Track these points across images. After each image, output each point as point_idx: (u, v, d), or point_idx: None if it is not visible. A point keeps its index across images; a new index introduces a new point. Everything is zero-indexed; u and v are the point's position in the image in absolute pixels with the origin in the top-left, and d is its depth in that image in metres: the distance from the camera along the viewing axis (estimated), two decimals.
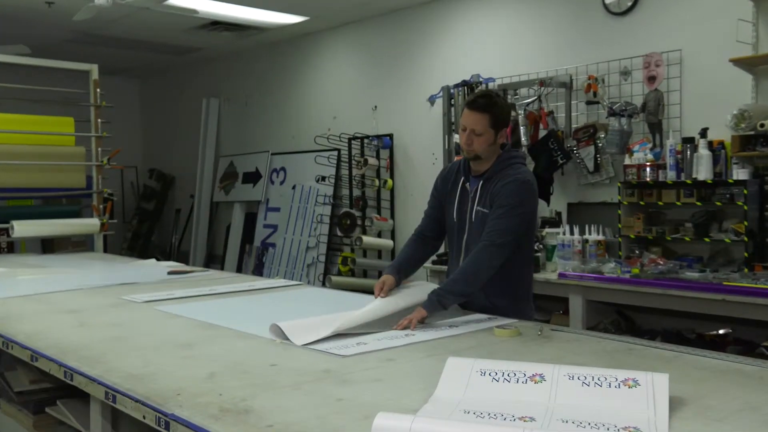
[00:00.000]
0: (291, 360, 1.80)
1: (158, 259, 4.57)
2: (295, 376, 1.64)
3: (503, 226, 2.41)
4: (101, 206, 5.39)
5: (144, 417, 1.44)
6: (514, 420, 1.27)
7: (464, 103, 2.57)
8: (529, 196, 2.49)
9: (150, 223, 9.10)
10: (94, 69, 5.42)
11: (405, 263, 2.70)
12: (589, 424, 1.25)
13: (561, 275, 4.00)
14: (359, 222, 6.13)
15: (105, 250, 5.37)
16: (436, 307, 2.30)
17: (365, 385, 1.56)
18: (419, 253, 2.74)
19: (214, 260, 8.14)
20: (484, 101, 2.51)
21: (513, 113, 4.93)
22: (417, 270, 2.86)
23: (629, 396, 1.33)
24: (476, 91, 4.67)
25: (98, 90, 5.38)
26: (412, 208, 6.08)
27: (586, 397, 1.35)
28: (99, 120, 5.36)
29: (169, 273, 3.68)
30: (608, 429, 1.22)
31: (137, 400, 1.48)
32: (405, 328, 2.19)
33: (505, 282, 2.49)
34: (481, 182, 2.55)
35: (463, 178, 2.62)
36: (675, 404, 1.36)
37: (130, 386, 1.56)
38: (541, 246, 4.28)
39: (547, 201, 4.83)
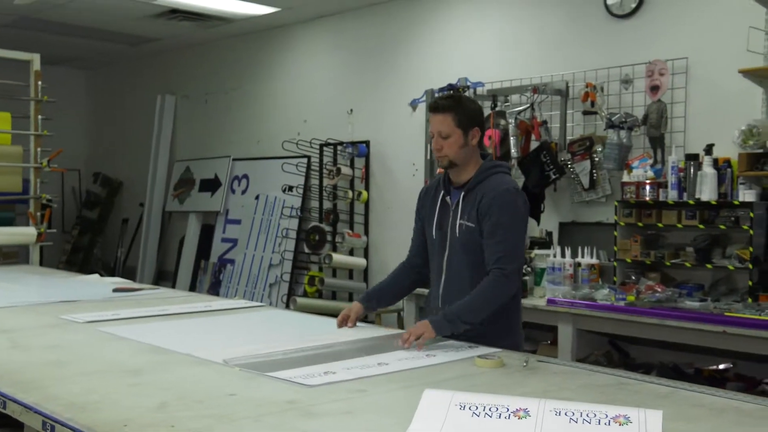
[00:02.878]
0: (251, 389, 1.82)
1: (101, 275, 4.55)
2: (255, 407, 1.66)
3: (509, 249, 2.49)
4: (39, 214, 5.35)
5: None
6: None
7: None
8: (524, 208, 2.59)
9: (93, 234, 9.03)
10: (35, 58, 5.39)
11: (380, 291, 2.80)
12: None
13: (550, 301, 4.06)
14: (329, 238, 6.16)
15: (41, 264, 5.33)
16: (444, 331, 2.40)
17: (333, 418, 1.59)
18: (402, 281, 2.83)
19: (164, 277, 8.09)
20: (446, 101, 2.62)
21: (503, 122, 4.99)
22: (397, 300, 2.93)
23: None
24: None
25: (39, 83, 5.34)
26: (389, 224, 6.13)
27: None
28: (39, 116, 5.33)
29: (115, 290, 3.67)
30: None
31: None
32: (406, 341, 2.32)
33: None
34: (462, 194, 2.62)
35: (443, 192, 2.69)
36: None
37: (70, 416, 1.57)
38: (529, 269, 4.34)
39: (537, 219, 4.89)
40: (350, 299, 6.26)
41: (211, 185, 7.59)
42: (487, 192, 2.56)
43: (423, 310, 3.05)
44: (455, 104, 2.60)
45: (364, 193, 6.22)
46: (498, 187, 2.56)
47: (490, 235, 2.52)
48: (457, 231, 2.60)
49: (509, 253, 2.49)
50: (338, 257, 5.90)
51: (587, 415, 1.42)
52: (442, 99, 2.64)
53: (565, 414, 1.43)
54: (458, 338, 2.48)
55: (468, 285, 2.55)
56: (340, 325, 2.68)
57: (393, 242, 6.18)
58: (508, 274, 2.47)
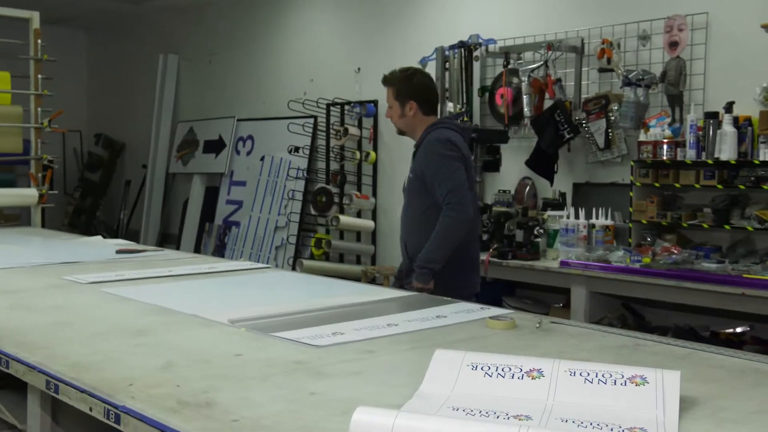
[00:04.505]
0: (258, 350, 1.82)
1: (104, 237, 4.55)
2: (262, 367, 1.66)
3: (447, 188, 3.02)
4: (40, 175, 5.34)
5: (91, 409, 1.45)
6: (509, 418, 1.29)
7: None
8: (448, 150, 3.05)
9: (95, 197, 9.05)
10: (34, 16, 5.34)
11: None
12: (591, 423, 1.28)
13: (563, 263, 4.05)
14: (336, 200, 6.15)
15: (43, 226, 5.33)
16: (427, 278, 2.95)
17: (342, 378, 1.58)
18: None
19: (168, 240, 8.13)
20: (389, 75, 3.23)
21: (516, 80, 4.95)
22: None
23: (636, 394, 1.36)
24: None
25: (39, 41, 5.30)
26: (398, 185, 6.08)
27: (589, 395, 1.37)
28: (39, 76, 5.29)
29: (118, 252, 3.67)
30: (612, 429, 1.25)
31: (83, 391, 1.49)
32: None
33: (424, 242, 3.05)
34: (414, 150, 3.21)
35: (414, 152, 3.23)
36: (686, 404, 1.40)
37: (75, 375, 1.57)
38: (541, 230, 4.33)
39: (551, 180, 4.88)
40: (358, 262, 6.27)
41: (215, 146, 7.57)
42: (423, 146, 3.12)
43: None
44: (394, 79, 3.21)
45: (372, 154, 6.19)
46: (429, 141, 3.09)
47: (431, 184, 3.07)
48: (406, 182, 3.22)
49: (448, 191, 3.01)
50: (345, 219, 5.90)
51: (602, 376, 1.41)
52: (388, 74, 3.24)
53: (580, 374, 1.42)
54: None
55: (413, 228, 3.16)
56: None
57: (400, 201, 6.15)
58: (453, 206, 3.01)
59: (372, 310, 2.34)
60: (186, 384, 1.51)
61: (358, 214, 6.24)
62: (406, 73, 3.22)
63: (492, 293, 4.76)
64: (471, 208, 3.07)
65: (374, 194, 6.27)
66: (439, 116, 3.25)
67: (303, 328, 2.02)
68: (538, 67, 4.82)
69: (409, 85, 3.18)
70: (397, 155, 6.11)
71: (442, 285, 3.04)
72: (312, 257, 6.22)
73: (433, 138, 3.11)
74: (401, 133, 3.28)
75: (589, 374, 1.42)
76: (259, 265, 3.42)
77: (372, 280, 5.43)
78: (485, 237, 4.73)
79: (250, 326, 2.05)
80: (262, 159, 7.04)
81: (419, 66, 5.74)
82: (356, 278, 5.29)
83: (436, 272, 3.04)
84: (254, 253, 6.81)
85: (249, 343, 1.89)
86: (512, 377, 1.44)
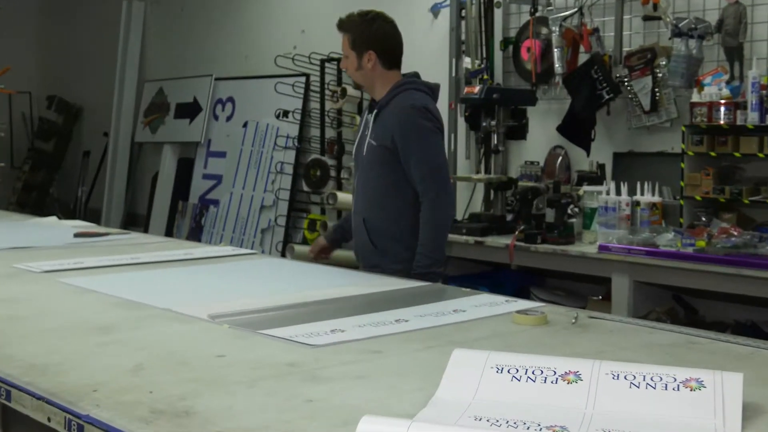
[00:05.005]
0: (244, 350, 1.83)
1: (60, 218, 4.57)
2: (249, 370, 1.66)
3: (428, 170, 3.08)
4: None
5: (49, 420, 1.46)
6: (541, 430, 1.30)
7: None
8: (429, 122, 3.11)
9: (48, 170, 9.06)
10: None
11: (346, 223, 3.45)
12: None
13: (602, 248, 4.06)
14: (333, 174, 6.14)
15: None
16: (436, 272, 3.00)
17: (343, 383, 1.59)
18: None
19: (134, 221, 8.14)
20: (346, 19, 3.21)
21: (545, 31, 4.93)
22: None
23: (691, 401, 1.36)
24: None
25: None
26: None
27: (635, 402, 1.38)
28: None
29: (76, 235, 3.68)
30: None
31: (40, 398, 1.49)
32: None
33: (393, 225, 3.16)
34: (375, 112, 3.18)
35: (366, 112, 3.27)
36: (750, 412, 1.40)
37: (30, 380, 1.58)
38: (576, 209, 4.33)
39: (587, 149, 4.87)
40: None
41: (189, 110, 7.56)
42: (392, 111, 3.12)
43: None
44: (351, 24, 3.19)
45: None
46: (400, 106, 3.10)
47: (405, 161, 3.10)
48: (365, 150, 3.19)
49: (432, 175, 3.08)
50: (344, 197, 5.88)
51: (651, 379, 1.41)
52: (344, 17, 3.22)
53: (625, 377, 1.43)
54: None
55: (374, 204, 3.18)
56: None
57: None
58: (438, 193, 3.09)
59: (377, 304, 2.35)
60: (160, 390, 1.52)
61: None
62: (365, 18, 3.22)
63: (518, 283, 4.77)
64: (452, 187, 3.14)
65: None
66: (401, 71, 3.26)
67: (296, 324, 2.03)
68: (572, 15, 4.80)
69: (368, 33, 3.19)
70: None
71: (405, 268, 3.09)
72: (305, 242, 6.22)
73: (407, 105, 3.12)
74: (358, 87, 3.35)
75: (635, 377, 1.42)
76: (243, 250, 3.42)
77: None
78: (509, 217, 4.73)
79: (233, 322, 2.06)
80: (245, 125, 7.03)
81: (432, 13, 5.75)
82: (357, 266, 5.28)
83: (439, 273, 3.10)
84: (236, 237, 6.83)
85: (233, 342, 1.89)
86: (544, 381, 1.45)
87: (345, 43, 3.22)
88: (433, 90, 3.29)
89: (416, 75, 3.24)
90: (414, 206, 3.15)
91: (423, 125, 3.11)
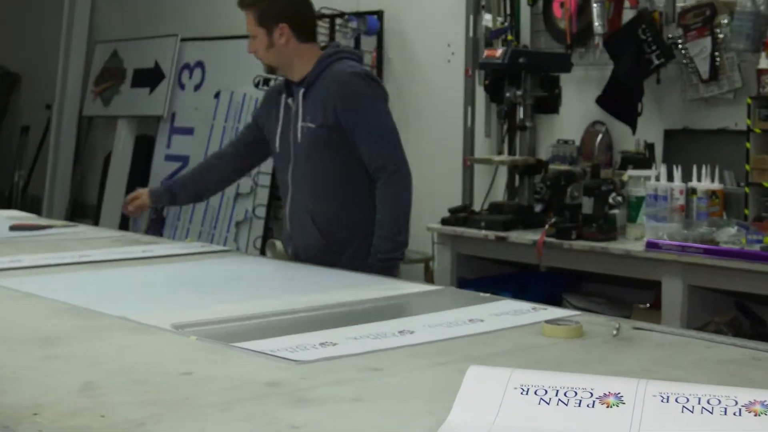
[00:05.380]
0: (215, 366, 1.83)
1: None
2: (222, 390, 1.66)
3: (382, 145, 3.22)
4: None
5: None
6: None
7: None
8: (376, 91, 3.28)
9: None
10: None
11: (179, 184, 3.69)
12: None
13: (650, 245, 4.05)
14: None
15: None
16: (390, 272, 3.09)
17: (335, 406, 1.59)
18: (208, 175, 3.62)
19: (83, 212, 8.14)
20: None
21: None
22: (199, 200, 4.08)
23: (756, 428, 1.37)
24: None
25: None
26: (413, 131, 6.09)
27: (688, 429, 1.38)
28: None
29: (12, 228, 3.69)
30: None
31: None
32: None
33: (348, 218, 3.27)
34: (302, 91, 3.27)
35: (284, 95, 3.35)
36: None
37: None
38: (619, 198, 4.33)
39: (633, 126, 4.87)
40: None
41: (149, 78, 7.56)
42: (329, 84, 3.22)
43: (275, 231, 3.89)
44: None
45: None
46: (338, 77, 3.22)
47: (353, 136, 3.21)
48: (299, 136, 3.26)
49: (384, 147, 3.22)
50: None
51: (708, 402, 1.42)
52: None
53: (676, 400, 1.43)
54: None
55: (323, 194, 3.27)
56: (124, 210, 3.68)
57: (418, 157, 6.13)
58: (395, 169, 3.22)
59: (377, 312, 2.36)
60: (113, 413, 1.52)
61: None
62: None
63: (548, 288, 4.77)
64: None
65: None
66: (318, 43, 3.43)
67: (278, 336, 2.03)
68: None
69: (276, 4, 3.28)
70: (412, 87, 6.09)
71: (350, 259, 3.21)
72: None
73: (347, 73, 3.24)
74: (272, 71, 3.43)
75: (688, 400, 1.42)
76: (214, 247, 3.44)
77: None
78: (538, 208, 4.73)
79: (202, 334, 2.06)
80: (217, 96, 7.03)
81: None
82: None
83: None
84: (206, 231, 6.83)
85: (202, 357, 1.90)
86: (578, 404, 1.45)
87: (250, 21, 3.30)
88: (361, 59, 3.47)
89: (337, 45, 3.40)
90: (370, 192, 3.26)
91: (369, 93, 3.24)
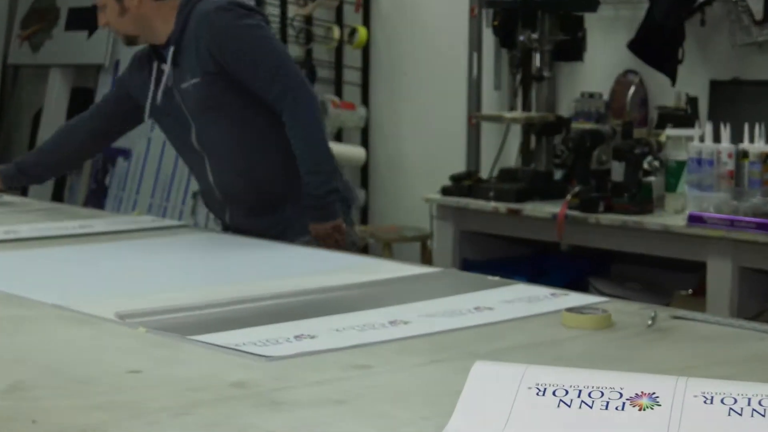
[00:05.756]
0: (169, 364, 1.84)
1: None
2: (177, 392, 1.66)
3: (270, 70, 3.29)
4: None
5: None
6: None
7: None
8: (251, 17, 3.35)
9: None
10: None
11: (35, 158, 3.88)
12: None
13: (693, 219, 4.06)
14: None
15: None
16: (334, 208, 3.29)
17: (314, 411, 1.59)
18: (71, 144, 3.79)
19: None
20: None
21: None
22: (62, 171, 4.45)
23: None
24: None
25: None
26: (407, 83, 6.10)
27: None
28: None
29: None
30: None
31: None
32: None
33: (281, 180, 3.41)
34: (172, 51, 3.36)
35: (155, 62, 3.44)
36: None
37: None
38: (655, 162, 4.34)
39: (672, 76, 4.86)
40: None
41: (87, 19, 7.51)
42: (196, 30, 3.30)
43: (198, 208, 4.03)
44: None
45: (362, 32, 6.17)
46: (205, 18, 3.29)
47: (238, 73, 3.30)
48: (187, 98, 3.35)
49: (276, 78, 3.29)
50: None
51: (760, 403, 1.42)
52: None
53: (722, 401, 1.43)
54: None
55: (240, 153, 3.38)
56: None
57: (412, 115, 6.15)
58: (293, 97, 3.29)
59: (364, 298, 2.36)
60: (48, 419, 1.52)
61: (337, 136, 6.24)
62: None
63: (571, 271, 4.79)
64: None
65: (365, 101, 6.28)
66: None
67: (245, 327, 2.04)
68: None
69: None
70: (405, 30, 6.08)
71: (295, 212, 3.39)
72: None
73: (211, 12, 3.32)
74: (131, 41, 3.49)
75: (736, 401, 1.43)
76: (167, 222, 3.43)
77: (363, 250, 5.45)
78: (558, 175, 4.74)
79: (153, 325, 2.07)
80: None
81: None
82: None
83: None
84: (157, 203, 6.82)
85: (153, 353, 1.90)
86: (605, 407, 1.46)
87: None
88: None
89: None
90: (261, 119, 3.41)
91: (241, 23, 3.32)
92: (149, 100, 3.43)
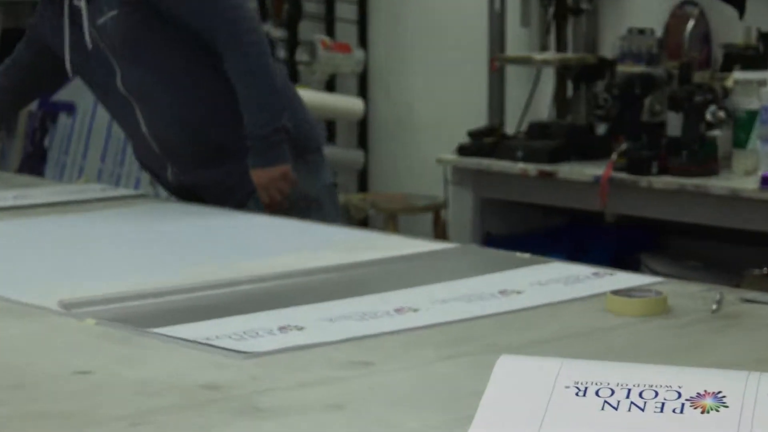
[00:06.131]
0: (125, 362, 1.83)
1: None
2: (136, 397, 1.66)
3: (210, 5, 3.40)
4: None
5: None
6: None
7: None
8: None
9: None
10: None
11: None
12: None
13: (766, 182, 4.06)
14: (283, 54, 6.14)
15: None
16: (281, 148, 3.37)
17: (303, 418, 1.59)
18: (19, 84, 3.90)
19: None
20: None
21: None
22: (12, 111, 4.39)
23: None
24: None
25: None
26: (415, 20, 6.10)
27: None
28: None
29: None
30: None
31: None
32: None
33: (232, 127, 3.46)
34: None
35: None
36: None
37: None
38: (721, 113, 4.34)
39: (740, 7, 4.85)
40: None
41: None
42: None
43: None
44: None
45: None
46: None
47: (176, 7, 3.41)
48: (106, 36, 3.44)
49: (209, 6, 3.41)
50: (306, 93, 5.89)
51: None
52: None
53: None
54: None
55: (172, 95, 3.48)
56: None
57: (423, 59, 6.12)
58: (230, 29, 3.40)
59: (364, 282, 2.38)
60: None
61: (329, 85, 6.24)
62: None
63: (617, 245, 4.79)
64: None
65: (362, 42, 6.28)
66: None
67: (217, 318, 2.04)
68: None
69: None
70: None
71: (241, 158, 3.47)
72: None
73: None
74: None
75: None
76: (121, 191, 3.44)
77: (362, 223, 5.46)
78: (601, 129, 4.74)
79: (105, 315, 2.07)
80: None
81: None
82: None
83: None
84: (108, 170, 6.83)
85: (105, 350, 1.90)
86: (660, 409, 1.46)
87: None
88: None
89: None
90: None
91: None
92: (66, 45, 3.52)
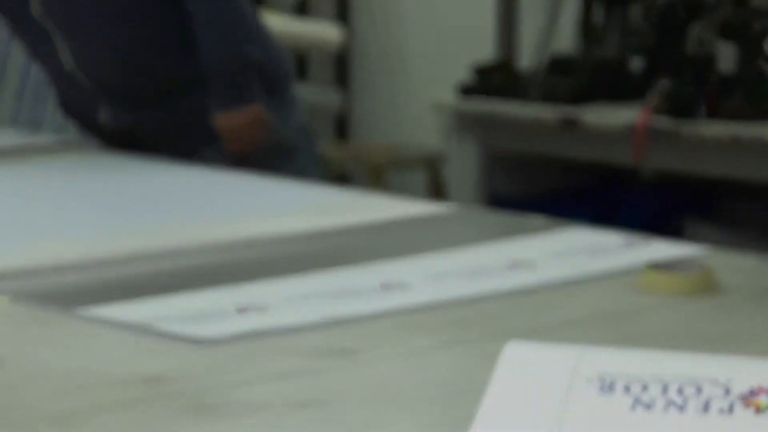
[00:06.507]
0: (48, 349, 1.84)
1: None
2: (63, 391, 1.67)
3: None
4: None
5: None
6: None
7: None
8: None
9: None
10: None
11: None
12: None
13: None
14: None
15: None
16: (246, 91, 3.41)
17: (270, 417, 1.60)
18: None
19: None
20: None
21: None
22: None
23: None
24: None
25: None
26: None
27: None
28: None
29: None
30: None
31: None
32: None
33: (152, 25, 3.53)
34: None
35: None
36: None
37: None
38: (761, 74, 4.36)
39: None
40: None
41: None
42: None
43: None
44: None
45: None
46: None
47: None
48: None
49: None
50: (267, 18, 5.93)
51: None
52: None
53: None
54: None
55: (103, 18, 3.51)
56: None
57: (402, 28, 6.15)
58: None
59: (343, 252, 2.40)
60: None
61: (301, 8, 6.26)
62: None
63: (656, 208, 4.82)
64: None
65: None
66: None
67: (164, 294, 2.05)
68: None
69: None
70: None
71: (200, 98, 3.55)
72: None
73: None
74: None
75: None
76: (41, 139, 3.44)
77: (341, 179, 5.49)
78: (635, 64, 4.75)
79: (23, 291, 2.08)
80: None
81: None
82: None
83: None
84: (26, 112, 6.82)
85: (23, 335, 1.92)
86: (705, 408, 1.46)
87: None
88: None
89: None
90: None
91: None
92: None
